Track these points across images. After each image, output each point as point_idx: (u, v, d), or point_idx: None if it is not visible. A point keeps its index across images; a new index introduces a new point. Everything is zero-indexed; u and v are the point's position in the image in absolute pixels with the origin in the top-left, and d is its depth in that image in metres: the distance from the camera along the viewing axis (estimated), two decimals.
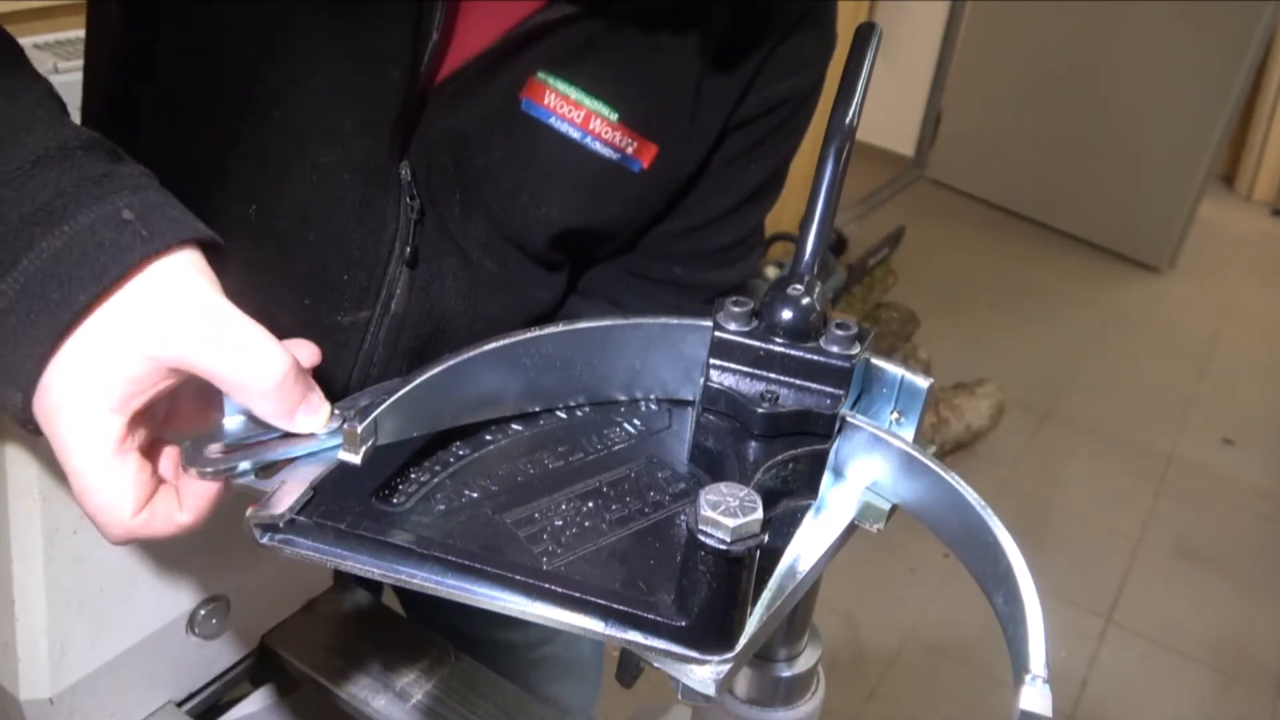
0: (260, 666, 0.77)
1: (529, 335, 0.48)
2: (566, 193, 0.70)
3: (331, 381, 0.66)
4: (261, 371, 0.43)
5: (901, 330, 2.90)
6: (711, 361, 0.47)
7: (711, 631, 0.37)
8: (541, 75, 0.66)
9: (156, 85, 0.67)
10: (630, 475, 0.47)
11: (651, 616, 0.38)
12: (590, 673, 1.11)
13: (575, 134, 0.68)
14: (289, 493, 0.42)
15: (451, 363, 0.46)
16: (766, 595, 0.40)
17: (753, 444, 0.46)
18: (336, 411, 0.46)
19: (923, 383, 0.47)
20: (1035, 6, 3.64)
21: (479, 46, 0.64)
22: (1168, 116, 3.49)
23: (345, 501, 0.43)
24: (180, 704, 0.72)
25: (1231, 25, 3.29)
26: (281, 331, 0.45)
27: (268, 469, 0.45)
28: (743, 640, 0.38)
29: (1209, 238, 3.89)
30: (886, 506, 0.46)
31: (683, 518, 0.45)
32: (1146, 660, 2.11)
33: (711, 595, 0.37)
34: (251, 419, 0.46)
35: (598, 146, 0.69)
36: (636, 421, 0.51)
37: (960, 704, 1.97)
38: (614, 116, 0.68)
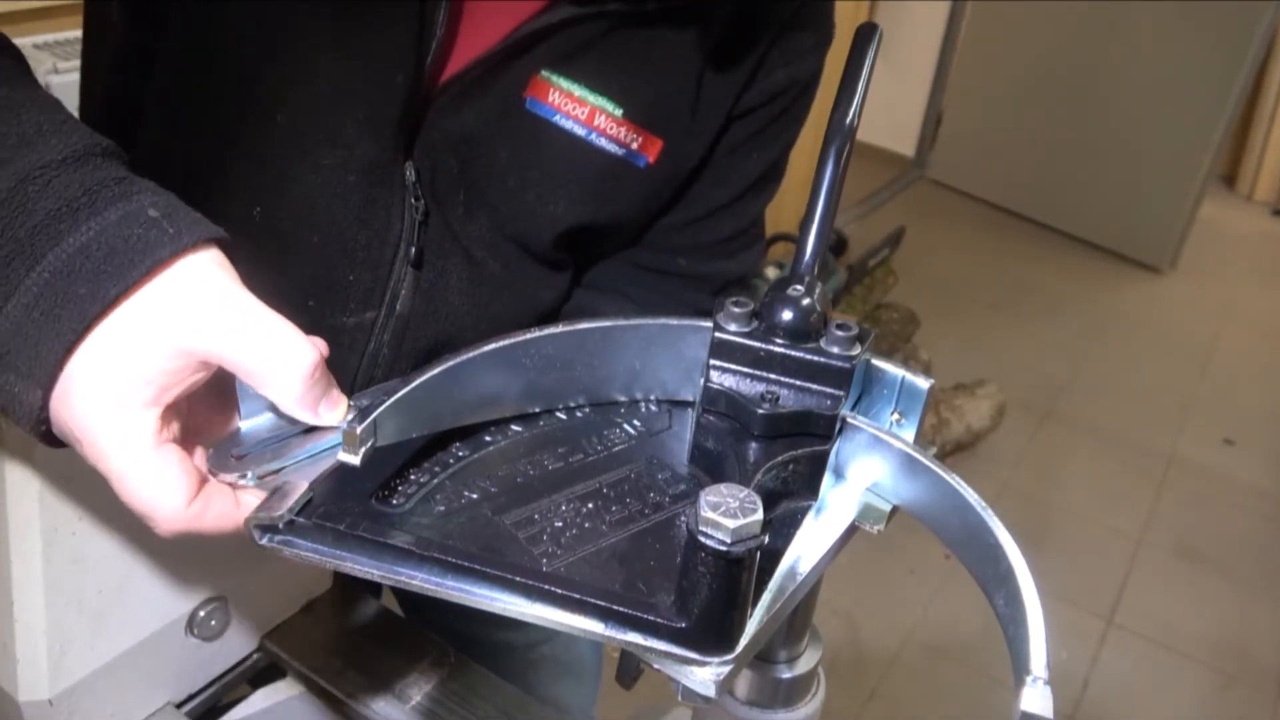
0: (260, 668, 0.77)
1: (529, 336, 0.48)
2: (572, 190, 0.71)
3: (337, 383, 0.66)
4: (291, 363, 0.43)
5: (902, 331, 2.90)
6: (712, 362, 0.47)
7: (712, 633, 0.37)
8: (545, 74, 0.66)
9: (158, 86, 0.67)
10: (630, 476, 0.47)
11: (651, 618, 0.38)
12: (589, 672, 1.11)
13: (580, 131, 0.68)
14: (288, 494, 0.42)
15: (451, 363, 0.46)
16: (767, 596, 0.40)
17: (753, 445, 0.46)
18: (352, 404, 0.46)
19: (923, 383, 0.47)
20: (1036, 6, 3.64)
21: (482, 47, 0.64)
22: (1168, 117, 3.49)
23: (345, 503, 0.43)
24: (180, 705, 0.72)
25: (1232, 25, 3.29)
26: None
27: (276, 473, 0.45)
28: (743, 641, 0.38)
29: (1210, 238, 3.89)
30: (887, 507, 0.46)
31: (683, 519, 0.45)
32: (1147, 661, 2.11)
33: (712, 596, 0.37)
34: (270, 419, 0.46)
35: (603, 143, 0.69)
36: (636, 422, 0.51)
37: (961, 705, 1.97)
38: (618, 112, 0.68)
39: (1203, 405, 2.98)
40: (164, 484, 0.42)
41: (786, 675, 0.51)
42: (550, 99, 0.67)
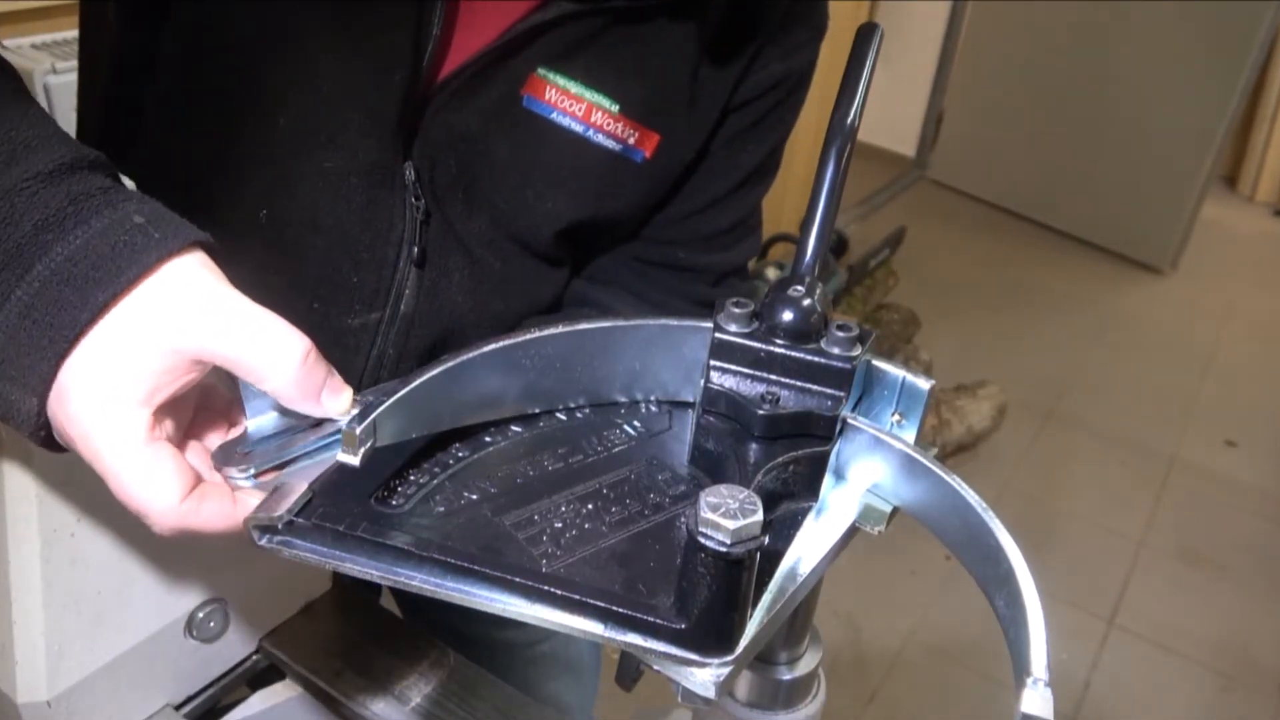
0: (259, 669, 0.77)
1: (528, 337, 0.48)
2: (571, 186, 0.71)
3: None
4: (282, 353, 0.43)
5: (902, 331, 2.90)
6: (712, 363, 0.47)
7: (712, 634, 0.37)
8: (542, 72, 0.67)
9: (159, 89, 0.67)
10: (630, 477, 0.47)
11: (651, 619, 0.38)
12: (588, 670, 1.11)
13: (577, 127, 0.69)
14: (287, 494, 0.42)
15: (451, 364, 0.46)
16: (767, 598, 0.40)
17: (753, 446, 0.45)
18: (357, 396, 0.46)
19: (924, 384, 0.47)
20: (1037, 7, 3.64)
21: (478, 45, 0.65)
22: (1170, 117, 3.49)
23: (344, 503, 0.43)
24: (178, 707, 0.72)
25: (1234, 25, 3.29)
26: None
27: (284, 466, 0.45)
28: (743, 643, 0.38)
29: (1211, 239, 3.89)
30: (887, 509, 0.46)
31: (683, 520, 0.45)
32: (1148, 662, 2.10)
33: (712, 597, 0.37)
34: (275, 417, 0.46)
35: (600, 139, 0.69)
36: (636, 423, 0.51)
37: (961, 706, 1.97)
38: (615, 108, 0.69)
39: (1204, 406, 2.97)
40: (156, 480, 0.42)
41: (787, 677, 0.51)
42: (547, 96, 0.67)
